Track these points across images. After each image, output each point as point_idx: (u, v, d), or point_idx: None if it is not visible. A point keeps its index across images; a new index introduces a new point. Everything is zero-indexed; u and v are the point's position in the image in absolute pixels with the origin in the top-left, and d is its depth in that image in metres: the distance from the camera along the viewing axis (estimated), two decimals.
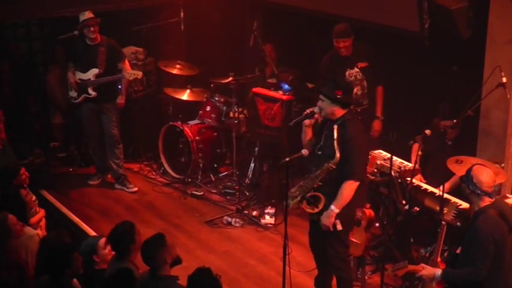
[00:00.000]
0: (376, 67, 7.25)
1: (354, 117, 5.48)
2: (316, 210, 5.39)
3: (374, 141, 7.09)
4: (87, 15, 7.64)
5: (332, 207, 5.30)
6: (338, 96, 5.31)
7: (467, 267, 4.66)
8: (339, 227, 5.35)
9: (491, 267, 4.61)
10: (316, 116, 5.43)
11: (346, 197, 5.30)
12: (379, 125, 7.33)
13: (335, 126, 5.30)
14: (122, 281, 4.52)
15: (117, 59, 7.84)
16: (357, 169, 5.31)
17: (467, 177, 4.72)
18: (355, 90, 7.18)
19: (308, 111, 5.46)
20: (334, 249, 5.49)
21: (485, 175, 4.70)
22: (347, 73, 7.22)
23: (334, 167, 5.29)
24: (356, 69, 7.24)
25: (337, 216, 5.32)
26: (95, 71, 7.77)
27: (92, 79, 7.79)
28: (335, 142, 5.27)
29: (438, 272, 4.85)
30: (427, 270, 4.92)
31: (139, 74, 7.82)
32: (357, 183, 5.30)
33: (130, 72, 7.75)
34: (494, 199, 4.77)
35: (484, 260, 4.60)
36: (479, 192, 4.65)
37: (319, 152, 5.43)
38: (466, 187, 4.72)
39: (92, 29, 7.64)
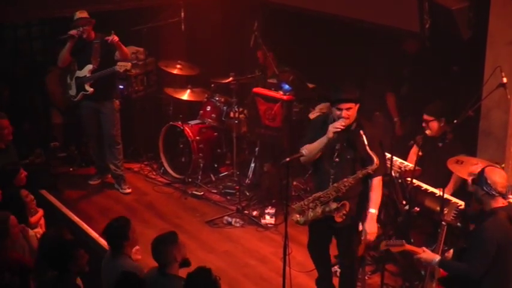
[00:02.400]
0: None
1: (359, 117, 5.37)
2: (344, 216, 5.34)
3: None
4: (78, 15, 7.65)
5: (372, 210, 5.28)
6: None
7: (465, 263, 4.69)
8: (360, 227, 5.41)
9: (494, 270, 4.62)
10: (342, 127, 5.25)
11: (380, 194, 5.34)
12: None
13: (362, 132, 5.20)
14: (130, 286, 4.53)
15: (112, 51, 7.77)
16: (384, 164, 5.41)
17: (481, 178, 4.72)
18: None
19: (315, 114, 5.41)
20: (351, 250, 5.54)
21: (499, 175, 4.72)
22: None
23: (372, 172, 5.26)
24: None
25: (359, 217, 5.40)
26: (90, 66, 7.77)
27: (87, 75, 7.80)
28: (367, 148, 5.17)
29: (436, 258, 4.91)
30: (426, 254, 4.97)
31: (128, 65, 7.74)
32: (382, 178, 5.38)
33: (120, 64, 7.69)
34: (508, 202, 4.78)
35: (482, 261, 4.61)
36: (493, 193, 4.66)
37: (337, 159, 5.33)
38: (479, 189, 4.71)
39: (81, 28, 7.64)
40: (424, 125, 6.38)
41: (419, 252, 5.00)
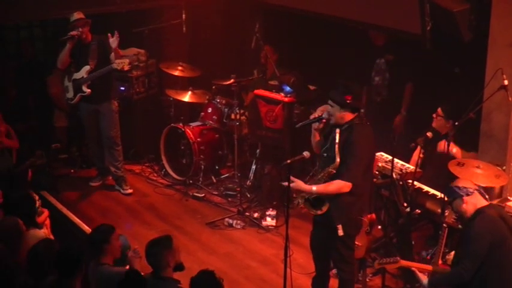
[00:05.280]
0: (405, 64, 7.49)
1: (362, 122, 5.37)
2: (319, 212, 5.35)
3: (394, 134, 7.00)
4: (76, 16, 7.64)
5: (313, 187, 5.28)
6: (348, 102, 5.25)
7: (456, 265, 4.69)
8: (340, 232, 5.31)
9: (489, 268, 4.60)
10: (323, 120, 5.40)
11: (331, 190, 5.25)
12: (399, 119, 7.56)
13: (337, 130, 5.26)
14: (132, 284, 4.53)
15: (108, 51, 7.73)
16: (352, 171, 5.21)
17: (453, 191, 4.77)
18: (377, 79, 7.66)
19: (316, 115, 5.43)
20: (337, 252, 5.47)
21: (463, 180, 4.85)
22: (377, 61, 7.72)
23: (333, 171, 5.24)
24: (383, 60, 7.63)
25: (339, 221, 5.29)
26: (87, 67, 7.76)
27: (84, 76, 7.79)
28: (336, 146, 5.22)
29: (425, 281, 4.88)
30: (419, 275, 4.97)
31: (125, 61, 7.67)
32: (348, 185, 5.20)
33: (117, 62, 7.63)
34: (488, 201, 4.79)
35: (473, 259, 4.58)
36: (471, 191, 4.71)
37: (325, 154, 5.39)
38: (458, 201, 4.74)
39: (80, 29, 7.64)
40: (434, 115, 6.39)
41: (414, 266, 5.00)
